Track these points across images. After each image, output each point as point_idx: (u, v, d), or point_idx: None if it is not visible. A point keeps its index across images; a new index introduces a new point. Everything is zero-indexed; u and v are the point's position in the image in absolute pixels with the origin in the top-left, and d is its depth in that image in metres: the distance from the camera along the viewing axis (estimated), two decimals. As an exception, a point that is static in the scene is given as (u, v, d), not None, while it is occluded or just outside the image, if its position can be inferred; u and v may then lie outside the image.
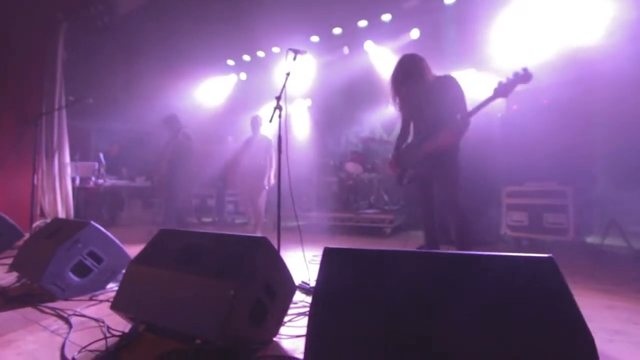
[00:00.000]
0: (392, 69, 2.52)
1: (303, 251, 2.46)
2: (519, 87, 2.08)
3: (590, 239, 3.49)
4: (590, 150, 3.47)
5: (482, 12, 4.60)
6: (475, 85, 4.34)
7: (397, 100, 2.55)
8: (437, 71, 2.50)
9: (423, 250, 1.42)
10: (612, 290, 2.11)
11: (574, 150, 3.38)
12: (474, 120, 2.28)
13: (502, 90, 2.08)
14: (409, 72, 2.42)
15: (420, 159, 2.46)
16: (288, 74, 2.35)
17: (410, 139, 2.69)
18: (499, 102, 3.82)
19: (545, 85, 3.75)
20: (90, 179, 5.39)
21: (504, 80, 2.07)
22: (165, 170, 4.37)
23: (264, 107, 6.58)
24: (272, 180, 4.17)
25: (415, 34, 5.34)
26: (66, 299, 1.96)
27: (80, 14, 5.49)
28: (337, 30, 5.74)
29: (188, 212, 4.65)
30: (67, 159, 5.16)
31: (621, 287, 2.17)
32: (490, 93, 2.12)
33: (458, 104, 2.28)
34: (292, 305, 1.67)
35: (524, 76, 2.04)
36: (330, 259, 1.14)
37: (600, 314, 1.73)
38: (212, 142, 6.84)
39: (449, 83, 2.35)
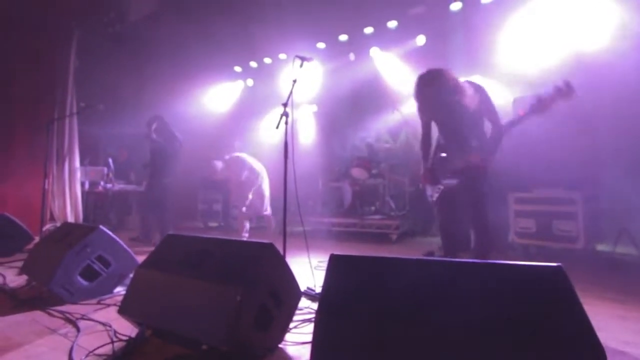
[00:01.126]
0: (425, 82, 2.38)
1: (309, 257, 2.46)
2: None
3: (600, 247, 3.43)
4: (599, 156, 3.43)
5: (487, 18, 4.61)
6: (542, 93, 4.32)
7: (417, 103, 2.46)
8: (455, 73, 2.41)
9: (430, 258, 1.41)
10: (624, 299, 2.07)
11: (583, 156, 3.34)
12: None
13: (539, 107, 1.87)
14: (433, 77, 2.31)
15: (452, 173, 2.36)
16: (295, 81, 2.37)
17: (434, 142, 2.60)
18: (507, 107, 3.78)
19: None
20: (99, 183, 5.46)
21: (542, 95, 1.84)
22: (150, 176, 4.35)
23: (270, 113, 6.64)
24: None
25: (421, 40, 5.36)
26: (74, 303, 1.99)
27: (92, 22, 5.62)
28: (343, 37, 5.79)
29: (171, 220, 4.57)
30: (77, 164, 5.25)
31: (633, 296, 2.13)
32: (525, 108, 1.92)
33: (490, 115, 2.24)
34: (297, 312, 1.66)
35: (565, 91, 1.77)
36: (336, 265, 1.14)
37: (611, 324, 1.69)
38: (219, 148, 6.90)
39: (483, 93, 2.27)
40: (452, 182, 2.38)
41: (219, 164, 4.31)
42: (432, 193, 2.51)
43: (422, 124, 2.60)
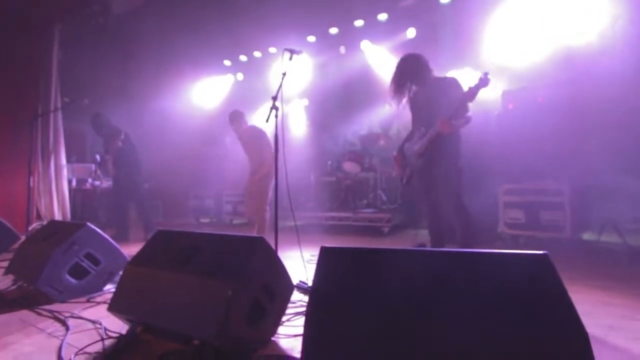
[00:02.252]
0: (394, 69, 2.54)
1: (301, 251, 2.47)
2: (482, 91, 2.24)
3: (586, 236, 3.52)
4: (586, 148, 3.49)
5: (478, 11, 4.62)
6: (471, 84, 4.36)
7: (405, 101, 2.60)
8: (434, 69, 2.54)
9: (419, 249, 1.43)
10: (608, 286, 2.13)
11: (570, 148, 3.41)
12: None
13: (470, 95, 2.23)
14: (412, 74, 2.46)
15: (416, 156, 2.50)
16: (284, 74, 2.35)
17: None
18: (496, 100, 3.84)
19: (540, 84, 3.77)
20: (86, 180, 5.36)
21: (471, 85, 2.23)
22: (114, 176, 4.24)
23: (261, 107, 6.58)
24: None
25: (411, 33, 5.36)
26: (63, 301, 1.96)
27: (76, 15, 5.46)
28: (333, 30, 5.75)
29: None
30: (64, 160, 5.13)
31: (617, 283, 2.19)
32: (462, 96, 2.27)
33: (452, 103, 2.32)
34: (290, 305, 1.67)
35: (484, 80, 2.19)
36: (327, 258, 1.14)
37: (595, 310, 1.74)
38: (209, 143, 6.84)
39: (451, 84, 2.40)
40: (417, 164, 2.53)
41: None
42: (403, 176, 2.69)
43: (412, 116, 2.74)
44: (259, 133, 3.68)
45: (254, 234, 3.27)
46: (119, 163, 4.14)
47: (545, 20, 4.26)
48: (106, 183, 5.51)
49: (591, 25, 3.87)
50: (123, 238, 4.08)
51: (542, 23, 4.29)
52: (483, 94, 2.39)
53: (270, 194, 3.56)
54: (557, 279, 0.90)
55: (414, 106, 2.63)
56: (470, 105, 2.33)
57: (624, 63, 3.32)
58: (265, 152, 3.56)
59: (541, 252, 0.95)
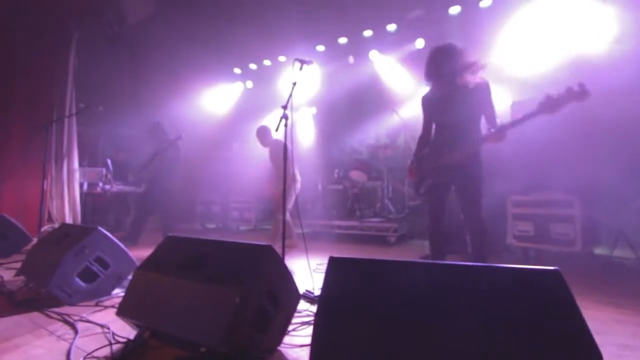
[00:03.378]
0: (430, 55, 2.28)
1: (308, 260, 2.46)
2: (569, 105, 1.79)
3: (598, 250, 3.45)
4: (598, 160, 3.45)
5: (486, 21, 4.64)
6: (555, 93, 4.34)
7: (426, 98, 2.37)
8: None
9: (428, 261, 1.42)
10: (622, 303, 2.08)
11: (581, 159, 3.36)
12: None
13: (549, 106, 1.83)
14: (442, 67, 2.19)
15: (441, 168, 2.31)
16: (294, 84, 2.38)
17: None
18: (505, 111, 3.79)
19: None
20: (97, 184, 5.45)
21: (553, 94, 1.80)
22: (150, 179, 4.36)
23: (270, 115, 6.65)
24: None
25: (420, 43, 5.39)
26: (73, 305, 1.98)
27: (91, 23, 5.63)
28: (342, 40, 5.82)
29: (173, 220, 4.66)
30: (76, 165, 5.23)
31: (631, 300, 2.14)
32: (533, 107, 1.87)
33: (486, 111, 2.16)
34: (296, 314, 1.66)
35: (579, 93, 1.75)
36: (335, 268, 1.14)
37: (609, 328, 1.70)
38: (218, 149, 6.91)
39: (484, 89, 2.17)
40: (443, 178, 2.33)
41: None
42: (420, 188, 2.49)
43: (424, 121, 2.52)
44: (280, 148, 3.86)
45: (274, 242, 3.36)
46: (160, 169, 4.31)
47: (555, 30, 4.26)
48: (116, 187, 5.59)
49: (602, 35, 3.85)
50: (133, 241, 4.15)
51: (551, 33, 4.29)
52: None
53: (290, 205, 3.66)
54: (569, 296, 0.89)
55: (434, 104, 2.36)
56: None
57: (636, 73, 3.29)
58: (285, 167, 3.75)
59: (553, 267, 0.94)
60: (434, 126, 2.45)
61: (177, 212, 6.93)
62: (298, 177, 3.77)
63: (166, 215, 4.45)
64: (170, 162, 4.35)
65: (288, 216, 3.71)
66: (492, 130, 2.12)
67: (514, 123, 2.03)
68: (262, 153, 6.22)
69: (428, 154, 2.45)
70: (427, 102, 2.42)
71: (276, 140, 3.94)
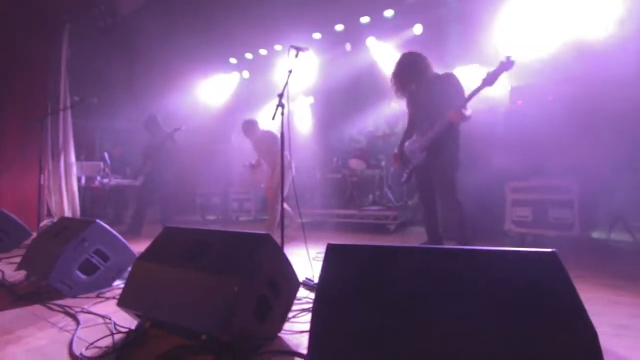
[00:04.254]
0: (394, 67, 2.59)
1: (307, 248, 2.47)
2: (504, 75, 2.20)
3: (596, 234, 3.47)
4: (596, 145, 3.44)
5: (485, 6, 4.56)
6: (479, 80, 4.31)
7: (405, 97, 2.64)
8: (440, 67, 2.55)
9: (426, 246, 1.42)
10: (618, 285, 2.10)
11: (579, 145, 3.35)
12: (477, 115, 2.28)
13: (489, 79, 2.18)
14: (412, 72, 2.49)
15: (420, 149, 2.53)
16: (290, 72, 2.35)
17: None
18: (503, 97, 3.79)
19: (550, 80, 3.71)
20: (95, 178, 5.43)
21: (491, 69, 2.18)
22: (148, 172, 4.39)
23: (267, 104, 6.60)
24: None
25: (418, 29, 5.31)
26: (74, 297, 1.99)
27: (84, 15, 5.51)
28: (339, 27, 5.72)
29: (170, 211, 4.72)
30: (73, 158, 5.21)
31: (627, 282, 2.16)
32: (479, 83, 2.23)
33: (458, 100, 2.32)
34: (296, 302, 1.68)
35: (506, 64, 2.15)
36: (333, 255, 1.14)
37: (605, 309, 1.72)
38: (216, 141, 6.88)
39: (449, 80, 2.41)
40: (419, 159, 2.54)
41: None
42: (403, 173, 2.72)
43: (409, 117, 2.77)
44: (272, 138, 3.85)
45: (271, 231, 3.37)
46: (158, 161, 4.34)
47: (556, 14, 4.18)
48: (114, 181, 5.58)
49: (603, 18, 3.79)
50: (135, 234, 4.17)
51: (552, 17, 4.21)
52: (489, 91, 2.36)
53: (285, 192, 3.69)
54: (566, 277, 0.89)
55: (413, 105, 2.65)
56: (475, 101, 2.32)
57: (637, 59, 3.25)
58: (279, 154, 3.70)
59: (549, 249, 0.94)
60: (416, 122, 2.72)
61: (176, 203, 6.95)
62: (292, 163, 3.79)
63: (165, 206, 4.51)
64: (168, 154, 4.37)
65: (287, 205, 3.72)
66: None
67: (468, 98, 2.29)
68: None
69: (409, 143, 2.69)
70: (409, 106, 2.73)
71: (265, 131, 3.94)
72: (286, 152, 2.39)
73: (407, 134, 2.76)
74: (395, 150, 2.80)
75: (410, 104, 2.68)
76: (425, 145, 2.47)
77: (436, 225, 2.60)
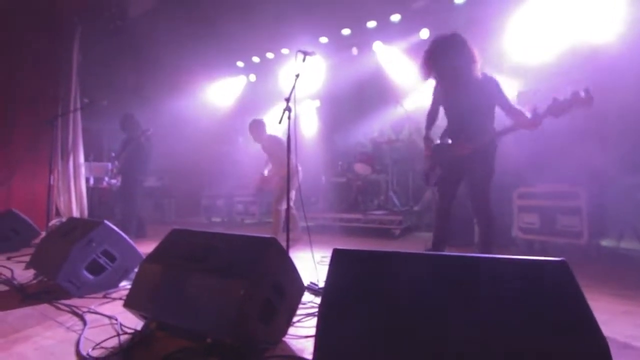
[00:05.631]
0: (434, 42, 2.27)
1: (312, 252, 2.47)
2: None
3: (605, 242, 3.41)
4: (604, 151, 3.39)
5: (492, 11, 4.55)
6: (562, 96, 4.29)
7: (433, 78, 2.35)
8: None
9: (432, 253, 1.41)
10: (628, 295, 2.06)
11: (587, 151, 3.31)
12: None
13: (556, 109, 1.88)
14: (455, 57, 2.17)
15: (452, 160, 2.35)
16: (297, 76, 2.36)
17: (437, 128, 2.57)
18: (511, 101, 3.75)
19: (557, 85, 3.68)
20: (103, 179, 5.49)
21: (560, 97, 1.85)
22: (122, 171, 4.29)
23: (273, 108, 6.63)
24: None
25: (424, 34, 5.31)
26: (81, 297, 2.01)
27: (94, 17, 5.62)
28: (346, 31, 5.75)
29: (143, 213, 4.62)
30: (82, 159, 5.28)
31: (637, 291, 2.12)
32: (543, 108, 1.94)
33: (504, 103, 2.18)
34: (301, 306, 1.67)
35: (584, 100, 1.80)
36: (339, 260, 1.14)
37: (615, 319, 1.69)
38: (222, 143, 6.93)
39: (495, 83, 2.22)
40: (454, 170, 2.36)
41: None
42: (430, 177, 2.55)
43: (432, 102, 2.55)
44: (278, 143, 3.85)
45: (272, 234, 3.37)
46: (132, 158, 4.24)
47: (563, 19, 4.16)
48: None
49: (611, 24, 3.76)
50: (140, 235, 4.16)
51: (559, 22, 4.19)
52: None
53: (292, 195, 3.66)
54: (576, 287, 0.88)
55: (445, 92, 2.39)
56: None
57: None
58: (284, 159, 3.74)
59: (559, 258, 0.93)
60: (446, 118, 2.50)
61: (182, 205, 6.99)
62: (299, 167, 3.79)
63: (129, 208, 4.29)
64: (144, 154, 4.26)
65: (293, 209, 3.72)
66: (525, 116, 2.07)
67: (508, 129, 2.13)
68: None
69: (441, 145, 2.48)
70: (437, 93, 2.48)
71: (271, 136, 3.95)
72: (293, 157, 2.39)
73: (431, 119, 2.55)
74: (424, 147, 2.58)
75: (438, 90, 2.43)
76: (457, 157, 2.31)
77: (445, 229, 2.52)
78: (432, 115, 2.58)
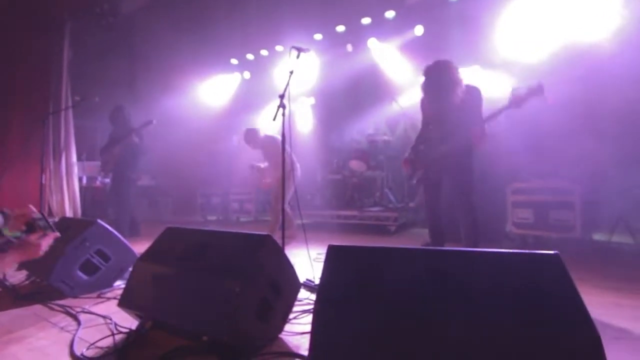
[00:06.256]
0: (426, 74, 2.53)
1: (308, 249, 2.47)
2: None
3: (597, 236, 3.46)
4: (596, 147, 3.43)
5: (486, 7, 4.56)
6: (479, 82, 4.32)
7: (423, 101, 2.65)
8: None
9: (427, 248, 1.42)
10: (620, 287, 2.09)
11: (580, 146, 3.35)
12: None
13: (516, 102, 2.22)
14: (445, 84, 2.43)
15: (433, 160, 2.56)
16: (291, 72, 2.35)
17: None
18: (504, 97, 3.80)
19: (550, 82, 3.70)
20: (96, 178, 5.44)
21: (517, 91, 2.24)
22: (113, 169, 4.13)
23: (268, 105, 6.60)
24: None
25: (419, 30, 5.31)
26: (75, 297, 1.99)
27: (85, 14, 5.53)
28: (340, 28, 5.73)
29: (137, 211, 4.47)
30: (74, 158, 5.22)
31: (629, 284, 2.15)
32: (505, 103, 2.26)
33: (476, 113, 2.40)
34: (297, 303, 1.67)
35: (536, 89, 2.17)
36: (334, 256, 1.14)
37: (607, 312, 1.72)
38: (216, 141, 6.88)
39: (474, 94, 2.45)
40: (434, 169, 2.59)
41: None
42: (414, 176, 2.75)
43: (422, 120, 2.78)
44: (274, 142, 3.85)
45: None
46: (123, 156, 4.08)
47: (556, 16, 4.18)
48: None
49: (603, 20, 3.79)
50: (134, 234, 4.10)
51: (552, 19, 4.21)
52: (490, 92, 2.39)
53: (289, 193, 3.68)
54: (568, 280, 0.89)
55: (432, 108, 2.62)
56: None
57: (637, 59, 3.24)
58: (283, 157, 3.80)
59: (552, 252, 0.94)
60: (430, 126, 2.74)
61: (177, 203, 6.94)
62: (297, 164, 3.79)
63: (122, 209, 4.14)
64: (136, 152, 4.12)
65: (287, 207, 3.72)
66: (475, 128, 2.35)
67: (488, 118, 2.37)
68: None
69: (423, 148, 2.71)
70: (424, 106, 2.72)
71: (267, 137, 3.95)
72: (292, 155, 2.41)
73: (421, 138, 2.77)
74: (406, 155, 2.81)
75: (427, 108, 2.67)
76: (438, 156, 2.53)
77: (440, 226, 2.62)
78: (423, 136, 2.77)
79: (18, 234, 1.51)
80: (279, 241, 1.73)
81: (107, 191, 5.69)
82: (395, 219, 4.49)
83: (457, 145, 2.43)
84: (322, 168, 5.87)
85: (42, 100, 5.10)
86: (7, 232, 1.53)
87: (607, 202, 3.46)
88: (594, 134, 3.42)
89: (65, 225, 2.32)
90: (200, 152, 6.86)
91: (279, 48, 6.22)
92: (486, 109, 2.44)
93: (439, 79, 2.42)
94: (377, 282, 1.05)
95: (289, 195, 3.61)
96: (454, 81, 2.40)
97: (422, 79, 2.58)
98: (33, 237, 1.46)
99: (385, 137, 5.34)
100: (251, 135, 3.94)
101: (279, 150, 3.79)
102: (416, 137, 2.81)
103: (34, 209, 1.54)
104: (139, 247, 2.16)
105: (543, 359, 0.82)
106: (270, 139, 3.92)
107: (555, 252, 0.94)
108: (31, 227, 1.50)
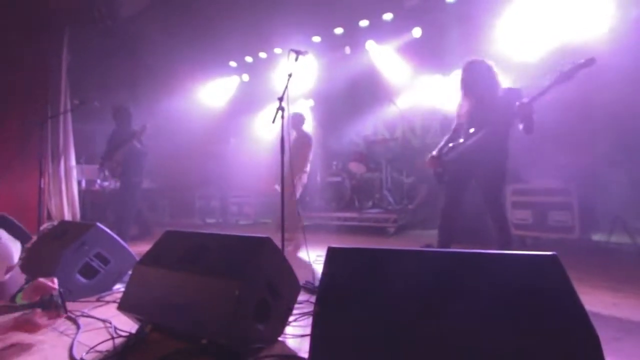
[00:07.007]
0: (465, 73, 2.49)
1: (307, 251, 2.47)
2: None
3: (596, 237, 3.47)
4: (594, 148, 3.45)
5: (484, 9, 4.59)
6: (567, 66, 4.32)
7: (464, 104, 2.54)
8: (439, 70, 2.52)
9: (427, 249, 1.43)
10: (618, 287, 2.10)
11: (579, 147, 3.36)
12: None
13: (566, 75, 2.13)
14: (484, 85, 2.40)
15: (465, 159, 2.44)
16: (290, 75, 2.36)
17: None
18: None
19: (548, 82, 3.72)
20: (95, 181, 5.43)
21: (564, 68, 2.11)
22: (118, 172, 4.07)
23: (267, 108, 6.61)
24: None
25: (417, 32, 5.33)
26: (74, 301, 1.98)
27: (84, 17, 5.54)
28: (338, 30, 5.75)
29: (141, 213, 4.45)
30: (73, 162, 5.20)
31: (627, 284, 2.16)
32: (552, 79, 2.14)
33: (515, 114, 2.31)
34: (296, 305, 1.67)
35: (586, 62, 2.07)
36: (334, 258, 1.14)
37: (606, 312, 1.72)
38: (216, 144, 6.88)
39: (515, 97, 2.34)
40: (466, 168, 2.45)
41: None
42: (444, 176, 2.61)
43: (458, 122, 2.66)
44: (306, 142, 4.00)
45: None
46: (127, 161, 4.05)
47: (554, 15, 4.21)
48: (114, 184, 5.56)
49: (602, 20, 3.81)
50: (146, 234, 4.10)
51: (550, 18, 4.24)
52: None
53: (298, 193, 3.80)
54: (567, 280, 0.89)
55: (472, 112, 2.51)
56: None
57: (634, 61, 3.26)
58: (305, 158, 3.98)
59: (550, 252, 0.94)
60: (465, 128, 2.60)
61: (176, 207, 6.93)
62: (307, 167, 3.83)
63: (124, 215, 4.06)
64: (139, 156, 4.08)
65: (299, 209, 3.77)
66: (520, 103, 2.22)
67: (537, 96, 2.22)
68: (260, 148, 6.19)
69: (454, 146, 2.56)
70: (461, 111, 2.59)
71: (305, 132, 4.09)
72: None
73: (451, 139, 2.66)
74: (434, 153, 2.67)
75: (467, 112, 2.55)
76: (469, 147, 2.41)
77: (451, 227, 2.54)
78: (452, 139, 2.64)
79: (26, 303, 1.42)
80: (279, 243, 1.73)
81: (107, 194, 5.68)
82: (394, 221, 4.49)
83: (494, 139, 2.32)
84: (322, 170, 5.88)
85: (40, 104, 5.09)
86: (19, 300, 1.45)
87: (605, 202, 3.47)
88: (591, 135, 3.44)
89: (64, 229, 2.33)
90: (199, 154, 6.86)
91: (277, 51, 6.24)
92: (533, 86, 2.30)
93: (480, 80, 2.39)
94: (377, 284, 1.05)
95: (297, 195, 3.67)
96: (494, 86, 2.37)
97: (428, 79, 2.54)
98: (39, 318, 1.37)
99: (386, 136, 5.35)
100: (298, 119, 4.07)
101: (303, 150, 3.93)
102: (446, 138, 2.69)
103: (56, 284, 1.45)
104: (139, 250, 2.16)
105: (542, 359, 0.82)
106: (306, 136, 4.03)
107: (554, 253, 0.94)
108: (45, 303, 1.40)
